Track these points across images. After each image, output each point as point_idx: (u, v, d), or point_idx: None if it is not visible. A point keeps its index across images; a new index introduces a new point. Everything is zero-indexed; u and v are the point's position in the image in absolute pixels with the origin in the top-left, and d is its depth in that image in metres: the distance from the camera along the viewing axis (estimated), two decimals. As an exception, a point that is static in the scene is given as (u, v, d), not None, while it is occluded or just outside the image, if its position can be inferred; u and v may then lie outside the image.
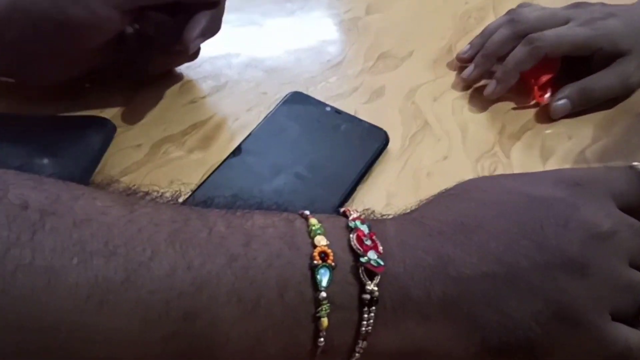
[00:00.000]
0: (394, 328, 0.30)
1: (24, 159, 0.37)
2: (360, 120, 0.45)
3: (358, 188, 0.41)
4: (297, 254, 0.28)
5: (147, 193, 0.30)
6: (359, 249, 0.29)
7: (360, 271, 0.29)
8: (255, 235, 0.28)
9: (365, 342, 0.30)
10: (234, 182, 0.39)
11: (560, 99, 0.48)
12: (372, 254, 0.29)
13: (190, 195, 0.38)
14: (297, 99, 0.46)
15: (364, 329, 0.29)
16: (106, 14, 0.39)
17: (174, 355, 0.26)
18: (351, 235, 0.30)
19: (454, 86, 0.49)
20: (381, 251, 0.30)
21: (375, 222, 0.32)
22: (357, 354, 0.30)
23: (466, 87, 0.49)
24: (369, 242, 0.30)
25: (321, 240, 0.29)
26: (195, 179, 0.40)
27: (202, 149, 0.43)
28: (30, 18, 0.40)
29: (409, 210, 0.34)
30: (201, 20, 0.41)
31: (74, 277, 0.24)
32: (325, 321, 0.28)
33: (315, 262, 0.28)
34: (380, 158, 0.43)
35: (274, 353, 0.28)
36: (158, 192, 0.30)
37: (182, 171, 0.41)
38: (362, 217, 0.33)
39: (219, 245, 0.27)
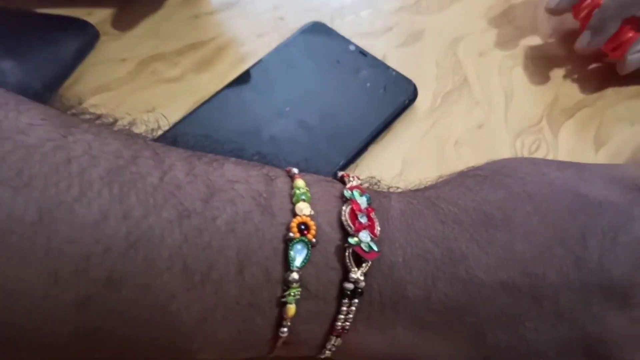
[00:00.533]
0: (378, 329, 0.24)
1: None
2: (388, 67, 0.38)
3: (370, 148, 0.34)
4: (269, 221, 0.22)
5: (99, 116, 0.24)
6: (350, 226, 0.23)
7: (346, 254, 0.23)
8: (220, 190, 0.22)
9: (339, 340, 0.24)
10: (223, 121, 0.33)
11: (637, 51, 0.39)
12: (364, 235, 0.23)
13: (167, 131, 0.31)
14: (317, 31, 0.39)
15: (339, 323, 0.23)
16: None
17: (87, 328, 0.20)
18: (344, 208, 0.24)
19: (506, 41, 0.42)
20: (377, 233, 0.24)
21: (377, 195, 0.26)
22: (327, 351, 0.24)
23: (513, 45, 0.41)
24: (364, 220, 0.24)
25: (304, 209, 0.23)
26: (180, 111, 0.34)
27: (196, 73, 0.36)
28: None
29: (422, 187, 0.28)
30: None
31: None
32: (292, 308, 0.22)
33: (291, 234, 0.22)
34: (403, 116, 0.36)
35: (222, 338, 0.23)
36: (121, 120, 0.24)
37: (168, 98, 0.35)
38: (364, 186, 0.26)
39: (170, 195, 0.21)
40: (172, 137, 0.25)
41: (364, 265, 0.23)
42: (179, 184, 0.22)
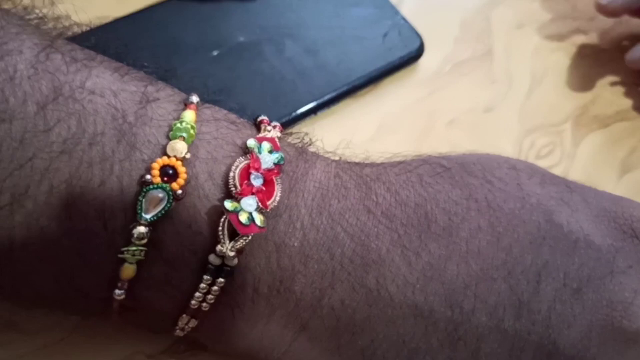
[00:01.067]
0: (246, 321, 0.19)
1: None
2: (397, 12, 0.31)
3: (347, 101, 0.28)
4: (125, 154, 0.17)
5: None
6: (236, 186, 0.18)
7: (221, 220, 0.18)
8: (69, 97, 0.17)
9: (194, 321, 0.19)
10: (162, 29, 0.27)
11: None
12: (249, 202, 0.18)
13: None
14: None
15: (194, 302, 0.18)
16: None
17: None
18: (238, 161, 0.18)
19: (554, 20, 0.33)
20: (271, 204, 0.18)
21: (298, 157, 0.20)
22: (179, 331, 0.19)
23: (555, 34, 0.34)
24: (257, 182, 0.18)
25: (179, 149, 0.17)
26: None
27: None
28: None
29: (368, 161, 0.22)
30: None
31: None
32: (129, 269, 0.17)
33: (148, 176, 0.17)
34: (398, 74, 0.30)
35: (34, 282, 0.18)
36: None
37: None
38: (287, 140, 0.21)
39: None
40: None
41: (238, 240, 0.18)
42: (14, 75, 0.17)
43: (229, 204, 0.17)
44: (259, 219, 0.18)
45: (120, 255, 0.17)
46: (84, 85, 0.17)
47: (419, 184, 0.20)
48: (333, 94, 0.28)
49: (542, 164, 0.27)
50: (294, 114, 0.27)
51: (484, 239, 0.19)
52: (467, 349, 0.18)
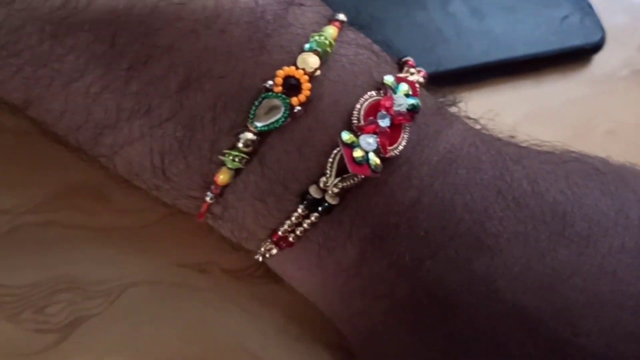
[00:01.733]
0: (328, 268, 0.18)
1: None
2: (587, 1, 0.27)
3: (498, 80, 0.25)
4: (254, 54, 0.16)
5: None
6: (358, 120, 0.16)
7: (333, 152, 0.16)
8: None
9: (276, 250, 0.18)
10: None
11: None
12: (368, 140, 0.16)
13: None
14: None
15: (282, 230, 0.17)
16: None
17: None
18: (369, 94, 0.16)
19: None
20: (391, 151, 0.16)
21: (439, 110, 0.18)
22: (258, 255, 0.18)
23: None
24: (384, 123, 0.16)
25: (311, 62, 0.16)
26: None
27: None
28: None
29: (513, 141, 0.19)
30: None
31: None
32: (226, 174, 0.16)
33: (269, 82, 0.16)
34: (566, 65, 0.26)
35: (138, 151, 0.17)
36: None
37: None
38: (423, 87, 0.18)
39: None
40: None
41: (348, 178, 0.16)
42: None
43: (346, 136, 0.16)
44: (374, 162, 0.16)
45: (220, 157, 0.16)
46: None
47: (564, 180, 0.17)
48: (488, 63, 0.25)
49: None
50: (440, 71, 0.24)
51: (624, 261, 0.16)
52: None
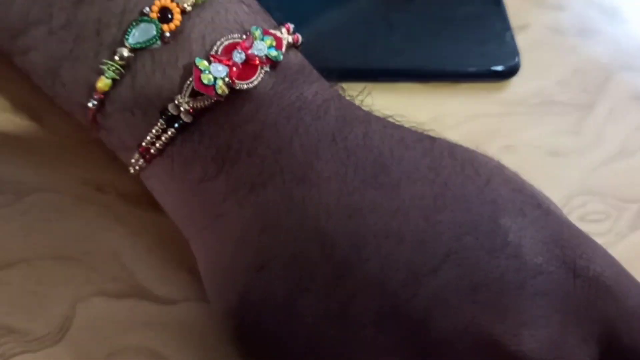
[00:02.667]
0: (179, 180, 0.20)
1: None
2: (508, 28, 0.30)
3: (410, 86, 0.28)
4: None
5: None
6: (216, 52, 0.19)
7: (191, 78, 0.19)
8: None
9: (143, 162, 0.21)
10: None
11: None
12: (218, 68, 0.19)
13: None
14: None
15: (145, 142, 0.20)
16: None
17: None
18: (233, 35, 0.20)
19: None
20: (240, 85, 0.19)
21: (304, 69, 0.21)
22: (131, 168, 0.21)
23: None
24: (238, 58, 0.19)
25: (186, 3, 0.19)
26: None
27: None
28: None
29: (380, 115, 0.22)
30: None
31: None
32: (105, 82, 0.19)
33: (146, 9, 0.19)
34: (480, 84, 0.29)
35: (44, 54, 0.20)
36: None
37: None
38: (292, 50, 0.21)
39: None
40: None
41: (199, 99, 0.19)
42: None
43: (199, 62, 0.19)
44: (220, 87, 0.19)
45: (100, 66, 0.19)
46: None
47: (396, 141, 0.20)
48: (403, 67, 0.28)
49: (582, 226, 0.24)
50: (361, 68, 0.27)
51: (418, 206, 0.18)
52: (344, 293, 0.18)
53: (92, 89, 0.20)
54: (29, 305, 0.22)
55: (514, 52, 0.29)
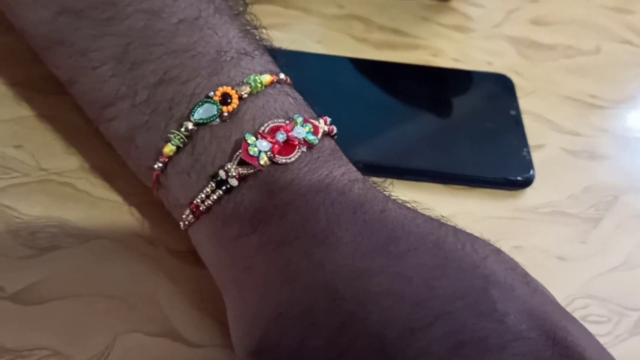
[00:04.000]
0: (220, 238, 0.24)
1: None
2: (526, 145, 0.34)
3: (432, 186, 0.32)
4: (209, 74, 0.24)
5: None
6: (261, 130, 0.23)
7: (240, 150, 0.23)
8: (203, 26, 0.25)
9: (192, 217, 0.24)
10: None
11: None
12: (263, 143, 0.23)
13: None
14: (499, 81, 0.37)
15: (197, 200, 0.24)
16: None
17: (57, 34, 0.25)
18: (279, 120, 0.24)
19: None
20: (280, 160, 0.23)
21: (335, 153, 0.25)
22: (181, 223, 0.25)
23: None
24: (280, 137, 0.23)
25: (242, 89, 0.24)
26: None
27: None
28: None
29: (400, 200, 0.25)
30: None
31: None
32: (170, 148, 0.24)
33: (211, 93, 0.24)
34: (496, 190, 0.32)
35: (122, 121, 0.25)
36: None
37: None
38: (327, 138, 0.25)
39: None
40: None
41: (245, 167, 0.23)
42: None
43: (249, 137, 0.23)
44: (263, 159, 0.23)
45: (168, 135, 0.24)
46: (215, 25, 0.25)
47: (409, 221, 0.23)
48: (428, 169, 0.32)
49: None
50: (384, 162, 0.31)
51: (419, 272, 0.21)
52: (346, 340, 0.20)
53: (159, 153, 0.24)
54: (75, 333, 0.25)
55: (529, 166, 0.33)
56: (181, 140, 0.24)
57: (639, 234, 0.32)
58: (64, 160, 0.30)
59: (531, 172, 0.33)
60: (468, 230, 0.24)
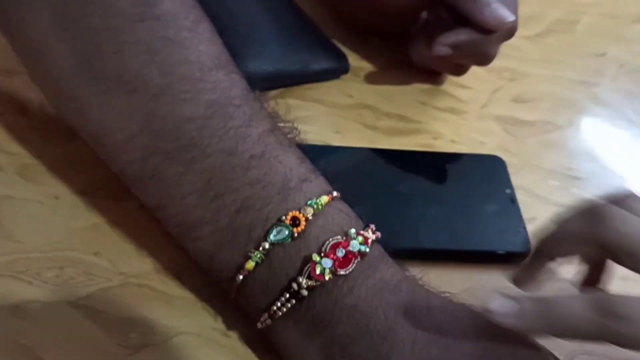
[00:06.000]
0: (296, 338, 0.29)
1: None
2: (521, 222, 0.40)
3: (442, 265, 0.38)
4: (279, 201, 0.30)
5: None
6: (325, 250, 0.29)
7: (308, 264, 0.29)
8: (271, 159, 0.30)
9: (269, 320, 0.30)
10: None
11: None
12: (327, 261, 0.28)
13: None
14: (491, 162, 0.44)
15: (274, 307, 0.29)
16: None
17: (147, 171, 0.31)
18: (337, 237, 0.29)
19: None
20: (342, 272, 0.28)
21: (382, 257, 0.31)
22: (259, 324, 0.30)
23: None
24: (340, 254, 0.29)
25: (308, 212, 0.29)
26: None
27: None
28: None
29: (434, 290, 0.31)
30: (461, 33, 0.42)
31: None
32: (250, 264, 0.29)
33: (283, 217, 0.29)
34: (499, 265, 0.38)
35: (208, 238, 0.30)
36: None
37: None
38: (374, 244, 0.31)
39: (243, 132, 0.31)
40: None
41: (313, 281, 0.28)
42: (255, 131, 0.31)
43: (315, 256, 0.28)
44: (328, 275, 0.28)
45: (248, 253, 0.29)
46: (278, 156, 0.31)
47: (450, 315, 0.29)
48: (440, 248, 0.38)
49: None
50: (403, 246, 0.37)
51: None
52: None
53: (240, 268, 0.29)
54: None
55: (527, 240, 0.39)
56: (260, 257, 0.29)
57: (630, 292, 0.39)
58: (139, 263, 0.35)
59: (529, 246, 0.39)
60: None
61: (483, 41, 0.43)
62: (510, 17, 0.41)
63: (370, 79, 0.49)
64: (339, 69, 0.48)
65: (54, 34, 0.30)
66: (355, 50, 0.51)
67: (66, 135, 0.38)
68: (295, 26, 0.48)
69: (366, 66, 0.50)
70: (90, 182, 0.38)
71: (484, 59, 0.45)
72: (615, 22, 0.62)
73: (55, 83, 0.32)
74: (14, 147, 0.39)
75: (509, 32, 0.43)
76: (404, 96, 0.49)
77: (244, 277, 0.29)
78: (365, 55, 0.51)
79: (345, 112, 0.46)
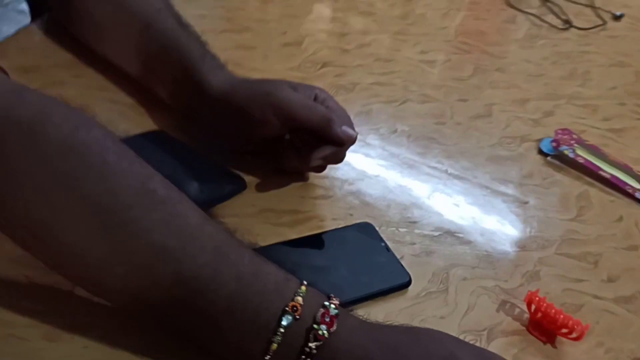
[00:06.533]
0: None
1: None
2: (398, 261, 0.61)
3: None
4: (280, 296, 0.46)
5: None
6: (318, 321, 0.45)
7: (312, 333, 0.45)
8: (263, 273, 0.47)
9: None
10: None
11: None
12: (323, 327, 0.45)
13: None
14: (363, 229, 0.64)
15: None
16: (274, 121, 0.63)
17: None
18: (322, 309, 0.46)
19: None
20: (332, 330, 0.45)
21: (347, 313, 0.48)
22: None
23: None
24: (327, 319, 0.46)
25: (299, 300, 0.46)
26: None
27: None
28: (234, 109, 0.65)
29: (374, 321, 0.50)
30: (327, 149, 0.62)
31: None
32: (274, 346, 0.45)
33: (287, 308, 0.45)
34: (391, 295, 0.58)
35: (235, 330, 0.45)
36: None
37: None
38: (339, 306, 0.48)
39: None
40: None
41: (319, 341, 0.45)
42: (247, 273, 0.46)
43: (315, 326, 0.45)
44: (325, 335, 0.45)
45: (271, 339, 0.44)
46: (267, 269, 0.47)
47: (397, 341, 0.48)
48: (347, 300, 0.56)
49: None
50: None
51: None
52: None
53: (267, 349, 0.45)
54: None
55: (406, 272, 0.60)
56: (280, 339, 0.45)
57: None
58: None
59: (408, 276, 0.59)
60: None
61: (340, 151, 0.63)
62: (355, 133, 0.63)
63: (260, 187, 0.67)
64: (239, 187, 0.65)
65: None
66: (242, 169, 0.68)
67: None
68: (198, 163, 0.64)
69: (253, 180, 0.67)
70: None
71: (340, 161, 0.67)
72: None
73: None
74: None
75: (353, 142, 0.64)
76: (287, 192, 0.67)
77: (270, 356, 0.45)
78: (250, 172, 0.68)
79: (255, 219, 0.63)
